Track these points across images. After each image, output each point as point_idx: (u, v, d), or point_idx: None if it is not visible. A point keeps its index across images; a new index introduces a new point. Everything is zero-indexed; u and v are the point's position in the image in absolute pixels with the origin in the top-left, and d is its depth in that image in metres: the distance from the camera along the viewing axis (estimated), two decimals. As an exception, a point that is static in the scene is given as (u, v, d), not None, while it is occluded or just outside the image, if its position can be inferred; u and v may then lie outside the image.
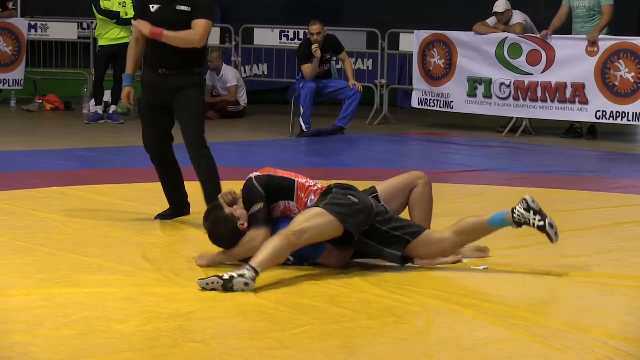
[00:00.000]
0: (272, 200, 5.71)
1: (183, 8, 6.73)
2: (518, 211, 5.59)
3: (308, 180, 5.81)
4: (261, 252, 5.28)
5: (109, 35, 13.32)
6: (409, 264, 5.68)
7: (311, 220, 5.43)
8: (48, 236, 6.37)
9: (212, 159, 6.88)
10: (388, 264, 5.68)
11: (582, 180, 9.26)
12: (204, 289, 5.12)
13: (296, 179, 5.77)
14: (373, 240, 5.61)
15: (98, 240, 6.30)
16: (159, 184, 8.48)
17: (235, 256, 5.63)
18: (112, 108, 13.51)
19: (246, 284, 5.11)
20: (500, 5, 13.01)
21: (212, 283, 5.12)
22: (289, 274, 5.47)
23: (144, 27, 6.73)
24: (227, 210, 5.64)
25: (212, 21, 6.82)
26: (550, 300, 5.23)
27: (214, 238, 5.70)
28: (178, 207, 7.05)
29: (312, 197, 5.70)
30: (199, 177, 6.85)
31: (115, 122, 13.34)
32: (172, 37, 6.69)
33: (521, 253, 5.85)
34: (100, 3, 13.18)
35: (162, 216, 7.00)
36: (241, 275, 5.13)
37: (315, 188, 5.76)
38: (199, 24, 6.72)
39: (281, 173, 5.82)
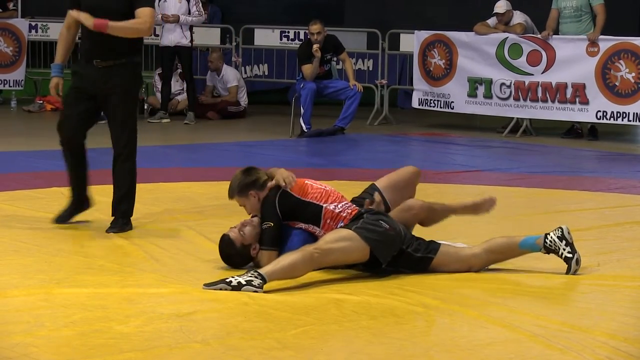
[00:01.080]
0: (288, 220, 5.68)
1: None
2: (551, 238, 5.58)
3: (337, 205, 5.71)
4: (275, 263, 5.26)
5: None
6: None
7: (339, 242, 5.37)
8: (48, 237, 6.36)
9: (133, 173, 6.70)
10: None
11: (583, 181, 9.26)
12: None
13: (324, 205, 5.67)
14: (400, 266, 5.56)
15: (98, 241, 6.30)
16: (159, 184, 8.51)
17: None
18: None
19: (254, 292, 5.11)
20: (501, 6, 13.00)
21: (220, 290, 5.11)
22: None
23: (86, 18, 6.38)
24: (238, 240, 5.60)
25: (154, 8, 6.60)
26: (550, 301, 5.22)
27: (228, 264, 5.70)
28: (78, 202, 6.77)
29: (342, 224, 5.64)
30: (117, 185, 6.66)
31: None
32: (120, 27, 6.40)
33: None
34: None
35: (61, 218, 6.72)
36: (249, 282, 5.12)
37: (345, 214, 5.67)
38: (145, 12, 6.46)
39: (312, 191, 5.71)
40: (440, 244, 5.66)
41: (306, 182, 5.78)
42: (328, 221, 5.66)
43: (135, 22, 6.46)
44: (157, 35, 13.73)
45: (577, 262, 5.59)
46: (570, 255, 5.56)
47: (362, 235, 5.40)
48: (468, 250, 5.68)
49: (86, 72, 6.60)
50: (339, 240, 5.38)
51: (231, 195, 5.82)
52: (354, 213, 5.67)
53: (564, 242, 5.57)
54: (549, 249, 5.59)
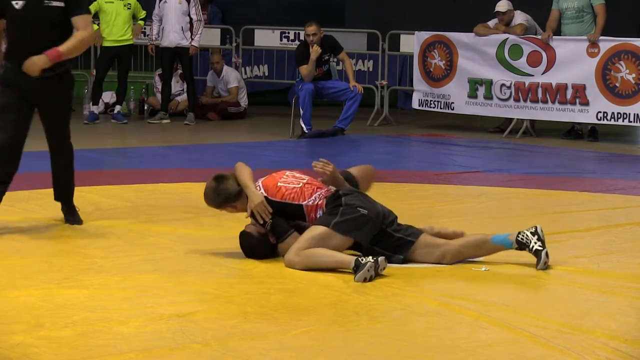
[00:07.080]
0: None
1: (55, 3, 6.26)
2: (524, 233, 5.69)
3: (316, 196, 5.82)
4: (331, 256, 5.56)
5: (112, 35, 13.35)
6: (410, 264, 5.71)
7: (320, 242, 5.59)
8: (48, 237, 6.37)
9: None
10: (388, 264, 5.70)
11: (583, 182, 9.26)
12: (365, 279, 5.33)
13: (303, 203, 5.80)
14: (380, 245, 5.72)
15: (98, 241, 6.30)
16: (159, 185, 8.49)
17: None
18: (117, 108, 13.65)
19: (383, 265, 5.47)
20: (503, 5, 12.99)
21: (370, 269, 5.35)
22: (288, 275, 5.48)
23: (41, 60, 6.18)
24: (254, 231, 5.82)
25: (90, 13, 6.54)
26: (551, 302, 5.22)
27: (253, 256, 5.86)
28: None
29: (320, 211, 5.78)
30: (65, 178, 6.82)
31: (119, 122, 13.47)
32: (73, 48, 6.26)
33: (522, 254, 5.84)
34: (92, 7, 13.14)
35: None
36: (375, 260, 5.41)
37: (321, 201, 5.80)
38: (84, 20, 6.32)
39: (286, 193, 5.80)
40: (422, 231, 5.78)
41: (279, 184, 5.87)
42: (312, 214, 5.80)
43: (81, 36, 6.31)
44: (158, 35, 13.72)
45: (547, 255, 5.65)
46: (540, 248, 5.65)
47: (342, 230, 5.61)
48: (441, 239, 5.79)
49: (26, 81, 6.35)
50: (318, 240, 5.58)
51: (208, 205, 5.98)
52: (328, 193, 5.82)
53: (536, 236, 5.68)
54: (520, 242, 5.67)
